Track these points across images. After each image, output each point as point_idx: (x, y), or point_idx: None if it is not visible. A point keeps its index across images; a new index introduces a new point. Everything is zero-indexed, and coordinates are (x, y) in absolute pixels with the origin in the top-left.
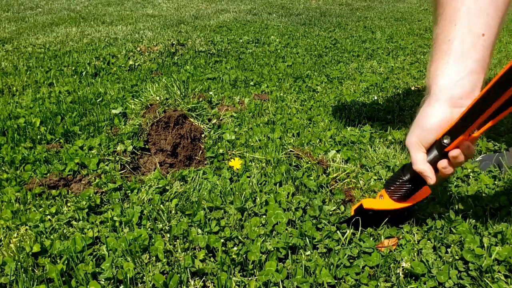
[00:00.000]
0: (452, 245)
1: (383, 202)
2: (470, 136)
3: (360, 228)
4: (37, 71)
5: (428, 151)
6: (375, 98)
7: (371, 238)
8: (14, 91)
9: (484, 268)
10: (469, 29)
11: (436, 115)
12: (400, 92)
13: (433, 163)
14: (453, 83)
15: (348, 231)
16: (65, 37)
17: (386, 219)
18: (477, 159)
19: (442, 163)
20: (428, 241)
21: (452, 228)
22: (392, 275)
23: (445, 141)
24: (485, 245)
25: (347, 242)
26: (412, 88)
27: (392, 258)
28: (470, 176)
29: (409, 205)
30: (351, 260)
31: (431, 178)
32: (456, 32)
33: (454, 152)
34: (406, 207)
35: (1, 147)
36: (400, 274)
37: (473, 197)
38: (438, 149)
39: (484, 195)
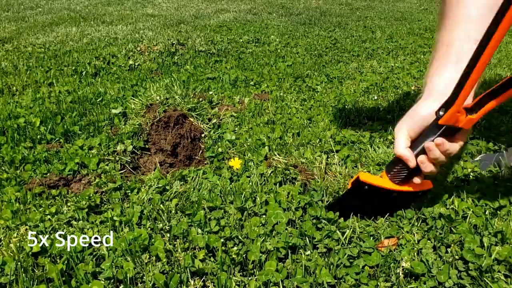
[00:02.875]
0: (452, 245)
1: (381, 180)
2: (467, 117)
3: (351, 215)
4: (37, 71)
5: (418, 139)
6: (375, 97)
7: (371, 238)
8: (14, 90)
9: (484, 268)
10: (467, 35)
11: (426, 108)
12: (400, 91)
13: (421, 148)
14: (445, 84)
15: (347, 230)
16: (65, 36)
17: (381, 204)
18: (477, 159)
19: (429, 144)
20: (428, 241)
21: (452, 228)
22: (392, 275)
23: (440, 113)
24: (485, 244)
25: (347, 242)
26: (412, 87)
27: (392, 258)
28: (470, 176)
29: (406, 191)
30: (351, 260)
31: (411, 162)
32: (454, 37)
33: (438, 140)
34: (403, 192)
35: (1, 147)
36: (400, 274)
37: (473, 197)
38: (432, 127)
39: (484, 194)
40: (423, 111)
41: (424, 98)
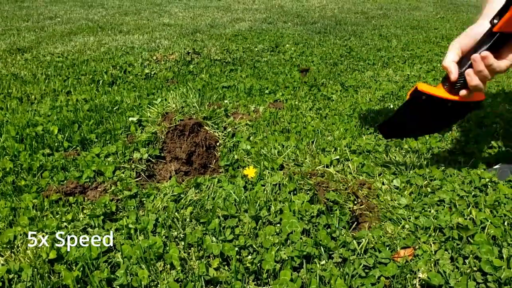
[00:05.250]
0: (470, 256)
1: (437, 90)
2: None
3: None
4: (55, 80)
5: (468, 53)
6: (391, 106)
7: (387, 248)
8: (32, 99)
9: (503, 280)
10: None
11: (482, 26)
12: None
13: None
14: (503, 3)
15: (363, 240)
16: (83, 46)
17: (436, 117)
18: (495, 167)
19: (475, 56)
20: (445, 252)
21: (469, 239)
22: (409, 286)
23: (495, 21)
24: (504, 256)
25: (362, 252)
26: None
27: (409, 268)
28: (488, 186)
29: (460, 101)
30: (366, 270)
31: (453, 74)
32: None
33: (484, 53)
34: (456, 102)
35: (19, 154)
36: (417, 285)
37: (491, 207)
38: (482, 41)
39: (502, 204)
40: (479, 29)
41: (481, 17)
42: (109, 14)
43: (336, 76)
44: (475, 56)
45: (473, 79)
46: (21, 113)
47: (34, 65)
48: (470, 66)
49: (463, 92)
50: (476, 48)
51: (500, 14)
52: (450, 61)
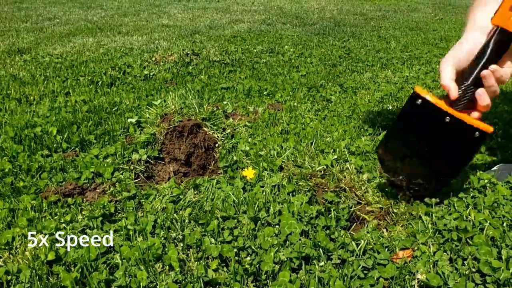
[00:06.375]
0: (469, 257)
1: (438, 99)
2: None
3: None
4: (54, 81)
5: (468, 70)
6: (390, 107)
7: (386, 249)
8: (31, 100)
9: (502, 281)
10: None
11: (471, 40)
12: None
13: (475, 75)
14: (487, 15)
15: (362, 241)
16: (82, 47)
17: (430, 142)
18: (493, 169)
19: (485, 73)
20: (444, 253)
21: (468, 240)
22: (408, 287)
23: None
24: (503, 257)
25: (361, 253)
26: None
27: (407, 269)
28: (487, 187)
29: (462, 121)
30: (365, 272)
31: (453, 93)
32: None
33: (492, 67)
34: (459, 121)
35: (18, 155)
36: (416, 286)
37: (490, 208)
38: (484, 47)
39: (501, 206)
40: (468, 43)
41: (467, 30)
42: (108, 15)
43: (335, 78)
44: (486, 72)
45: (485, 98)
46: (20, 114)
47: (33, 66)
48: (475, 83)
49: (474, 114)
50: (476, 61)
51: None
52: (449, 79)
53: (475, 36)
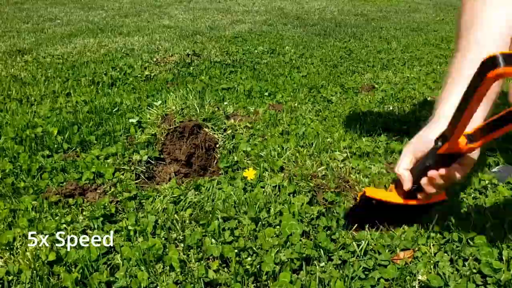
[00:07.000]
0: (470, 258)
1: (389, 194)
2: (467, 145)
3: (362, 223)
4: (55, 82)
5: (421, 161)
6: (391, 108)
7: (387, 250)
8: (32, 101)
9: (503, 282)
10: (475, 63)
11: (435, 131)
12: (415, 102)
13: (423, 170)
14: (452, 110)
15: (363, 242)
16: (83, 48)
17: (391, 216)
18: (494, 170)
19: (431, 173)
20: (445, 254)
21: (469, 241)
22: None
23: (439, 143)
24: (504, 258)
25: (362, 254)
26: (428, 98)
27: (408, 270)
28: (488, 188)
29: (416, 204)
30: (366, 272)
31: (406, 183)
32: (467, 62)
33: (432, 173)
34: (412, 205)
35: (19, 156)
36: (417, 287)
37: (491, 209)
38: (432, 155)
39: (502, 207)
40: (429, 136)
41: (432, 122)
42: (109, 16)
43: (335, 78)
44: (432, 174)
45: (429, 189)
46: (21, 114)
47: (34, 66)
48: (423, 174)
49: (420, 196)
50: (427, 158)
51: (443, 138)
52: (403, 168)
53: (437, 130)
